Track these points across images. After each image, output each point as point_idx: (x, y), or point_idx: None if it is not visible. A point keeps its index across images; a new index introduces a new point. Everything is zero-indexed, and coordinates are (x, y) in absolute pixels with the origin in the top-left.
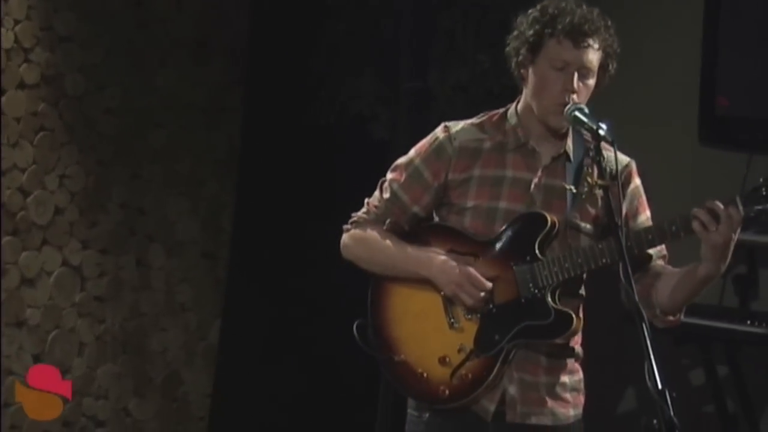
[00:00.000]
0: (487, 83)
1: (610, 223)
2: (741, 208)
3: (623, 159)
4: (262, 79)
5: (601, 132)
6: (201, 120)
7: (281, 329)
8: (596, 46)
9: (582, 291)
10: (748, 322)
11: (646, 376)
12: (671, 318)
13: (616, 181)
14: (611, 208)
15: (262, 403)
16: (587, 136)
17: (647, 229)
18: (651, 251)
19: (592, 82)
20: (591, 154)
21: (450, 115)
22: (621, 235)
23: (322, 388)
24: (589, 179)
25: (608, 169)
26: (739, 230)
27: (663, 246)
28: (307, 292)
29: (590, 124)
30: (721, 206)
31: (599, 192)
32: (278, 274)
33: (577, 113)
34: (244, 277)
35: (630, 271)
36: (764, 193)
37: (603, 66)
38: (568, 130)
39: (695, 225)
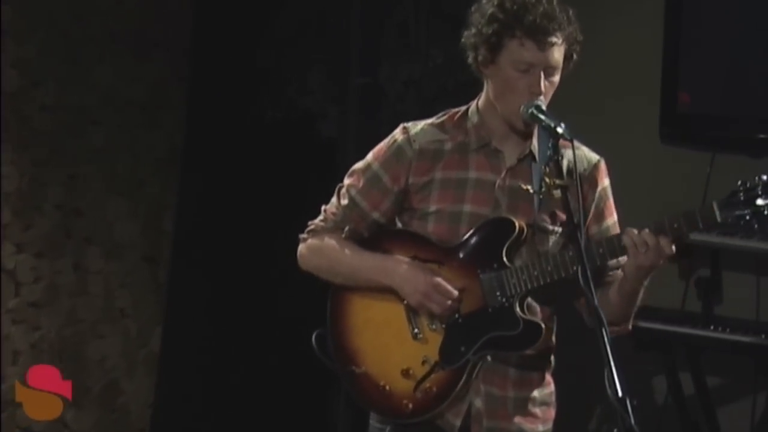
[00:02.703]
0: (440, 79)
1: (569, 224)
2: (717, 213)
3: (592, 157)
4: (205, 74)
5: (560, 130)
6: (141, 117)
7: (226, 336)
8: (560, 42)
9: (554, 298)
10: (712, 327)
11: (606, 384)
12: (616, 328)
13: (575, 180)
14: (570, 209)
15: (206, 414)
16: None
17: (619, 237)
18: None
19: (557, 78)
20: (549, 152)
21: (401, 112)
22: (580, 237)
23: (272, 399)
24: (547, 179)
25: (570, 168)
26: (667, 260)
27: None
28: (254, 297)
29: (548, 121)
30: (652, 236)
31: (557, 192)
32: (222, 279)
33: (534, 111)
34: (186, 282)
35: (589, 274)
36: (742, 198)
37: (567, 57)
38: (533, 129)
39: (626, 240)
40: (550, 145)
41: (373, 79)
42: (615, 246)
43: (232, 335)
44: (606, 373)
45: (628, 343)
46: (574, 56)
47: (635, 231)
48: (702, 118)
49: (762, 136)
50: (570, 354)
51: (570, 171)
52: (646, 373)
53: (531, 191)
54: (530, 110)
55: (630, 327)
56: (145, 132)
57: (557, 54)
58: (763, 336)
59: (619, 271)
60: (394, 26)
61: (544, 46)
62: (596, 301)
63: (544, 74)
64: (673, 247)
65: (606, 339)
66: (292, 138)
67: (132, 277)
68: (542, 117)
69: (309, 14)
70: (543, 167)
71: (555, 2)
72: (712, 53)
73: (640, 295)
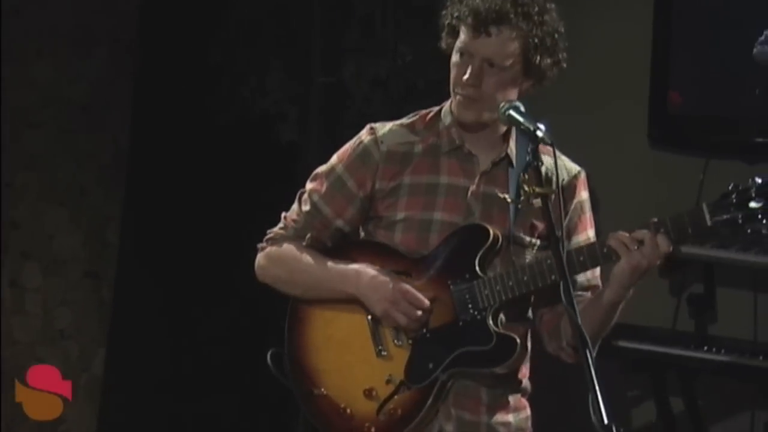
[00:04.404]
0: (410, 78)
1: (550, 236)
2: (708, 216)
3: (572, 168)
4: (152, 72)
5: (539, 133)
6: (83, 119)
7: (176, 359)
8: (504, 35)
9: (530, 314)
10: (705, 348)
11: (591, 410)
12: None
13: (556, 188)
14: (551, 219)
15: None
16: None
17: (602, 243)
18: (578, 278)
19: (500, 77)
20: (528, 158)
21: (368, 114)
22: (561, 249)
23: (226, 426)
24: (526, 187)
25: (550, 176)
26: (660, 260)
27: (596, 275)
28: (207, 316)
29: (526, 124)
30: (648, 233)
31: (537, 201)
32: (173, 296)
33: (511, 112)
34: (132, 300)
35: (572, 289)
36: (734, 200)
37: (527, 59)
38: (509, 131)
39: (612, 242)
40: (528, 150)
41: (336, 78)
42: (597, 253)
43: (183, 358)
44: (590, 398)
45: (614, 365)
46: (539, 61)
47: (623, 232)
48: (694, 120)
49: (759, 139)
50: (549, 376)
51: (550, 179)
52: (635, 398)
53: (508, 200)
54: (507, 111)
55: (594, 354)
56: (87, 135)
57: (497, 47)
58: (761, 358)
59: (589, 293)
60: (359, 20)
61: (479, 33)
62: (579, 320)
63: (485, 67)
64: (670, 247)
65: (590, 360)
66: (249, 142)
67: (73, 294)
68: (520, 119)
69: (267, 7)
70: (521, 174)
71: None
72: (705, 49)
73: (618, 311)
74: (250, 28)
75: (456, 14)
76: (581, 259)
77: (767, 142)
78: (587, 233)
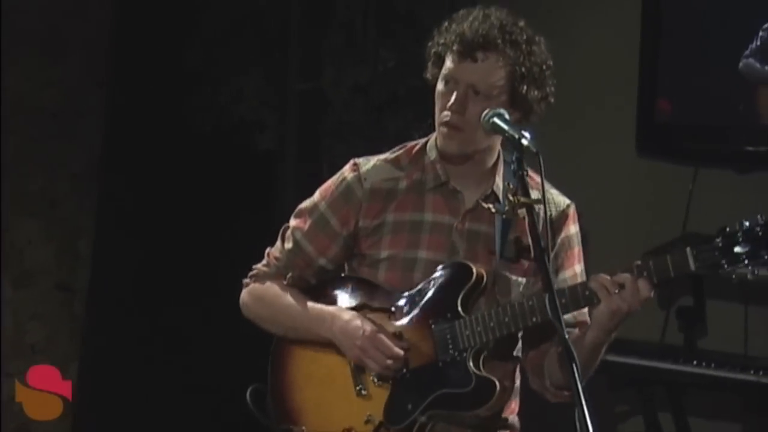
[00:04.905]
0: (390, 85)
1: (535, 249)
2: (692, 261)
3: (560, 201)
4: (126, 79)
5: (524, 141)
6: (54, 127)
7: (150, 376)
8: (490, 61)
9: (516, 353)
10: (695, 362)
11: (577, 426)
12: (566, 393)
13: (542, 200)
14: (536, 230)
15: None
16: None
17: (584, 285)
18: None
19: (485, 106)
20: (513, 168)
21: (347, 122)
22: (547, 261)
23: None
24: (511, 197)
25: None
26: (643, 303)
27: (584, 312)
28: (182, 330)
29: (511, 132)
30: (629, 277)
31: (522, 212)
32: (147, 310)
33: (496, 119)
34: (105, 313)
35: (558, 303)
36: (719, 244)
37: (512, 90)
38: (497, 165)
39: (593, 284)
40: (514, 158)
41: (315, 84)
42: (579, 295)
43: (158, 375)
44: (577, 414)
45: (602, 380)
46: (528, 91)
47: (605, 275)
48: (684, 129)
49: (750, 148)
50: (538, 412)
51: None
52: (622, 414)
53: (493, 210)
54: (491, 119)
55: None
56: (58, 144)
57: (483, 73)
58: (751, 372)
59: (577, 330)
60: (340, 25)
61: (464, 59)
62: (566, 334)
63: (469, 95)
64: (651, 292)
65: (577, 376)
66: (225, 150)
67: (44, 308)
68: (505, 126)
69: (244, 11)
70: (506, 184)
71: (508, 23)
72: (695, 55)
73: (602, 352)
74: (227, 32)
75: (442, 42)
76: (563, 301)
77: (758, 151)
78: (574, 269)
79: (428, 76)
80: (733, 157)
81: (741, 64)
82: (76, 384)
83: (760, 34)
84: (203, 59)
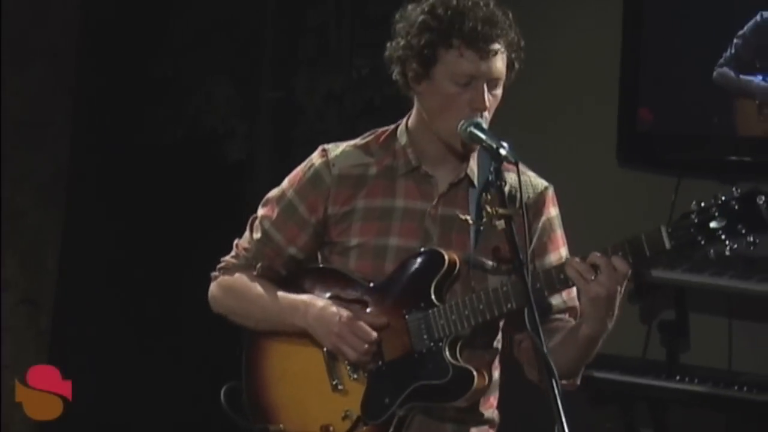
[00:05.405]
0: (365, 92)
1: (513, 260)
2: (667, 239)
3: (538, 184)
4: (93, 87)
5: (502, 151)
6: (19, 136)
7: (122, 393)
8: (502, 49)
9: (497, 343)
10: (677, 377)
11: None
12: (564, 382)
13: (521, 209)
14: (515, 242)
15: None
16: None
17: (559, 267)
18: (553, 301)
19: (500, 91)
20: (490, 177)
21: (321, 131)
22: (526, 274)
23: None
24: (488, 207)
25: (514, 194)
26: (625, 283)
27: (573, 296)
28: (151, 346)
29: (489, 142)
30: (601, 257)
31: (500, 223)
32: (115, 325)
33: (473, 129)
34: (72, 328)
35: (537, 317)
36: (695, 220)
37: (509, 66)
38: (472, 150)
39: (569, 271)
40: (491, 168)
41: (287, 92)
42: (553, 278)
43: (129, 391)
44: (557, 430)
45: (582, 395)
46: (516, 65)
47: (577, 259)
48: (665, 138)
49: (733, 158)
50: (518, 406)
51: (514, 198)
52: (603, 431)
53: (469, 222)
54: (469, 129)
55: (578, 382)
56: (24, 154)
57: (500, 63)
58: (735, 387)
59: (567, 315)
60: (313, 31)
61: (487, 55)
62: (545, 347)
63: (487, 87)
64: (629, 268)
65: (557, 391)
66: (194, 161)
67: (9, 322)
68: (483, 136)
69: (214, 17)
70: (483, 194)
71: (492, 5)
72: (676, 64)
73: (599, 344)
74: (196, 39)
75: (445, 39)
76: (537, 285)
77: (741, 161)
78: (560, 252)
79: (408, 73)
80: (716, 166)
81: (715, 73)
82: None
83: (735, 41)
84: (172, 67)
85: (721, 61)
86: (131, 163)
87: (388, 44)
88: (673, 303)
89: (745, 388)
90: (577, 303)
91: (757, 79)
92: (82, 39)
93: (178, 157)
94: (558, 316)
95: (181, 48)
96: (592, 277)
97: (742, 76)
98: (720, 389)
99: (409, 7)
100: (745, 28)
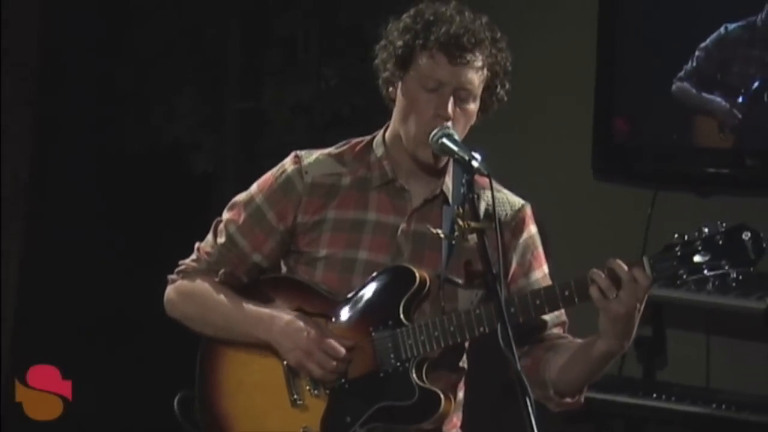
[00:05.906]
0: (334, 104)
1: (485, 274)
2: (649, 271)
3: (515, 201)
4: (54, 99)
5: (475, 163)
6: None
7: (84, 412)
8: (478, 63)
9: (462, 363)
10: (654, 395)
11: None
12: (569, 400)
13: (494, 224)
14: (487, 256)
15: None
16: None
17: (535, 293)
18: (546, 317)
19: (473, 106)
20: (462, 190)
21: (289, 143)
22: (499, 289)
23: None
24: (461, 221)
25: (490, 212)
26: (645, 298)
27: (561, 310)
28: (113, 355)
29: (461, 153)
30: (625, 268)
31: (472, 237)
32: (78, 341)
33: (445, 140)
34: (33, 345)
35: (510, 333)
36: (678, 253)
37: (489, 87)
38: (447, 165)
39: (593, 291)
40: (464, 181)
41: (254, 103)
42: (528, 304)
43: (92, 411)
44: None
45: (556, 414)
46: (499, 90)
47: (601, 273)
48: (641, 150)
49: (711, 170)
50: (482, 427)
51: (490, 216)
52: None
53: (441, 235)
54: (440, 139)
55: (582, 400)
56: None
57: (472, 75)
58: (713, 405)
59: (557, 330)
60: (280, 41)
61: (456, 61)
62: (519, 365)
63: (456, 98)
64: (650, 281)
65: (530, 409)
66: (159, 173)
67: None
68: (454, 147)
69: (178, 26)
70: (456, 207)
71: (482, 20)
72: (652, 74)
73: (610, 363)
74: (161, 49)
75: (420, 41)
76: (537, 302)
77: (720, 173)
78: (543, 270)
79: (386, 76)
80: (694, 178)
81: (674, 87)
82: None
83: (697, 54)
84: (135, 77)
85: (681, 74)
86: (94, 175)
87: (377, 45)
88: (649, 319)
89: (723, 406)
90: (565, 318)
91: (718, 99)
92: (44, 50)
93: (143, 169)
94: (555, 331)
95: (146, 59)
96: (614, 295)
97: (703, 94)
98: (697, 407)
99: (404, 15)
100: (708, 40)
